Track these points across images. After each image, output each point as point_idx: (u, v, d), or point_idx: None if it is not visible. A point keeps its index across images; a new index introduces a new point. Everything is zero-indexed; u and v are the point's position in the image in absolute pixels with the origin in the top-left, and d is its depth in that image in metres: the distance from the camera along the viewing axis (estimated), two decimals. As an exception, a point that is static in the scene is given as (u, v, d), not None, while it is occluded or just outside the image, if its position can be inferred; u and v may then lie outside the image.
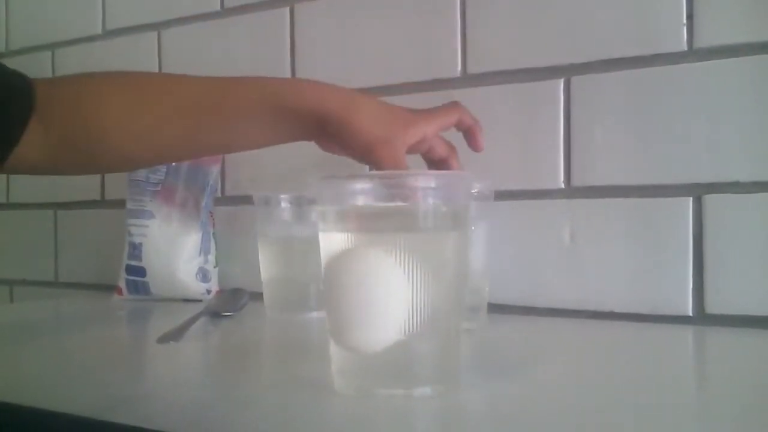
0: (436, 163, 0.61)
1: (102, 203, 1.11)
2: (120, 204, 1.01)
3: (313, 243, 0.48)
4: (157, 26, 1.05)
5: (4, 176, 1.22)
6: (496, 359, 0.58)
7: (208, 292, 0.95)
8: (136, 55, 1.07)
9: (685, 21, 0.71)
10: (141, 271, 0.94)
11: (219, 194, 0.99)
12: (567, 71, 0.77)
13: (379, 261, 0.43)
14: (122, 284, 0.96)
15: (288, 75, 0.95)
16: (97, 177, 1.11)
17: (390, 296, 0.43)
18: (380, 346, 0.43)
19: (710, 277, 0.70)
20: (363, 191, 0.45)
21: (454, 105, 0.61)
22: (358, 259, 0.43)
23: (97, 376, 0.54)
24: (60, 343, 0.71)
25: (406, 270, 0.42)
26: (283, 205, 0.81)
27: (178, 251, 0.93)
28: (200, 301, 0.94)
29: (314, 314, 0.77)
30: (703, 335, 0.68)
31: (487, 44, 0.81)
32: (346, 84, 0.89)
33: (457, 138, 0.59)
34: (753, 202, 0.68)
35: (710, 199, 0.70)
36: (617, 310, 0.74)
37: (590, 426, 0.40)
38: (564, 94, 0.77)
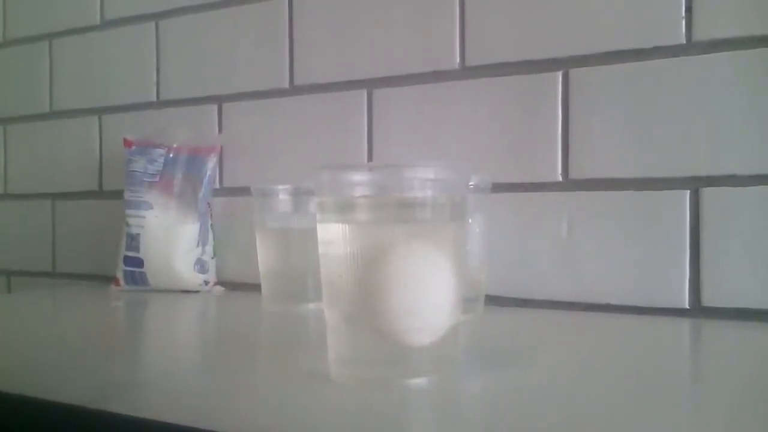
0: None
1: (100, 194, 1.11)
2: (118, 195, 1.01)
3: (312, 234, 0.48)
4: (155, 17, 1.05)
5: (1, 166, 1.22)
6: (492, 351, 0.58)
7: (206, 283, 0.95)
8: (134, 46, 1.07)
9: (684, 14, 0.71)
10: (139, 262, 0.94)
11: (217, 185, 0.99)
12: (565, 64, 0.77)
13: (428, 253, 0.44)
14: (120, 275, 0.96)
15: (286, 65, 0.94)
16: (96, 167, 1.11)
17: (441, 287, 0.44)
18: (435, 335, 0.44)
19: (707, 270, 0.70)
20: (362, 182, 0.45)
21: None
22: (406, 252, 0.44)
23: (94, 366, 0.54)
24: (57, 334, 0.71)
25: (452, 259, 0.44)
26: (281, 196, 0.81)
27: (176, 242, 0.94)
28: (198, 292, 0.94)
29: (312, 305, 0.77)
30: (700, 328, 0.69)
31: (485, 36, 0.81)
32: (345, 76, 0.90)
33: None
34: (750, 196, 0.68)
35: (708, 192, 0.70)
36: (614, 302, 0.74)
37: (585, 417, 0.40)
38: (562, 87, 0.77)
